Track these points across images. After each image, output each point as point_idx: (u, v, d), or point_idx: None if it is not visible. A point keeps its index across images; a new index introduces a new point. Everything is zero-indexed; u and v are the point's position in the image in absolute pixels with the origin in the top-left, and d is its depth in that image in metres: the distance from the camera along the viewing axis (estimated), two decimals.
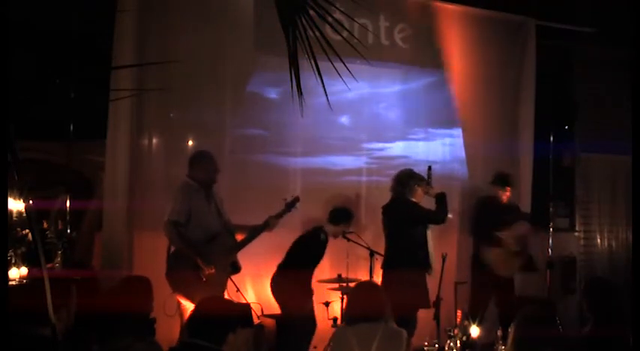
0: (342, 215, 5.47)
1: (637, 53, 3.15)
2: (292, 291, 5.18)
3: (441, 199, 5.44)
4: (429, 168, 5.53)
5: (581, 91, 7.64)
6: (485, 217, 5.92)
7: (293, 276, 5.18)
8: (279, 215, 4.99)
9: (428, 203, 5.53)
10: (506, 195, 5.98)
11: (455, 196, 6.36)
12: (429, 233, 5.39)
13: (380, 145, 6.45)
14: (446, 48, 6.58)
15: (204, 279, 4.60)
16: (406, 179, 5.44)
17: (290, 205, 5.07)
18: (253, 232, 4.94)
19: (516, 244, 5.82)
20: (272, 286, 5.28)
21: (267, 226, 4.94)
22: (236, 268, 4.90)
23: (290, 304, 5.18)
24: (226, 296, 4.78)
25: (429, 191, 5.44)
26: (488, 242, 5.81)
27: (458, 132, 6.75)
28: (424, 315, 5.21)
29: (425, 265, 5.27)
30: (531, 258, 6.18)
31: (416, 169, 5.60)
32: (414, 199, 5.41)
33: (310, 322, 5.27)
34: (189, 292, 4.49)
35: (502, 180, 6.02)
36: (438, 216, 5.44)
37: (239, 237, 4.94)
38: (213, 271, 4.62)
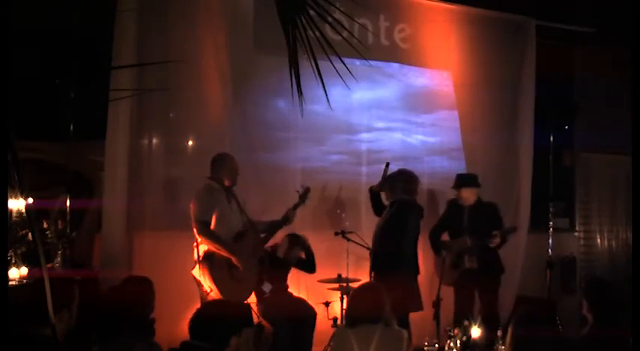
0: None
1: (637, 53, 3.16)
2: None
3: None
4: (387, 165, 5.52)
5: (581, 91, 7.64)
6: (441, 223, 5.79)
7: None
8: (296, 207, 5.17)
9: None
10: (467, 198, 5.61)
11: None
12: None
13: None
14: (446, 48, 6.59)
15: (236, 277, 4.69)
16: None
17: (303, 197, 5.23)
18: (274, 227, 5.11)
19: (453, 257, 5.51)
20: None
21: (286, 220, 5.13)
22: (263, 264, 5.04)
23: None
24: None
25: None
26: (434, 249, 5.68)
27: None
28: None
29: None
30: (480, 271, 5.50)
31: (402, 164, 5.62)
32: None
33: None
34: (224, 290, 4.57)
35: (457, 182, 5.71)
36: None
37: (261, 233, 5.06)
38: (244, 268, 4.72)
